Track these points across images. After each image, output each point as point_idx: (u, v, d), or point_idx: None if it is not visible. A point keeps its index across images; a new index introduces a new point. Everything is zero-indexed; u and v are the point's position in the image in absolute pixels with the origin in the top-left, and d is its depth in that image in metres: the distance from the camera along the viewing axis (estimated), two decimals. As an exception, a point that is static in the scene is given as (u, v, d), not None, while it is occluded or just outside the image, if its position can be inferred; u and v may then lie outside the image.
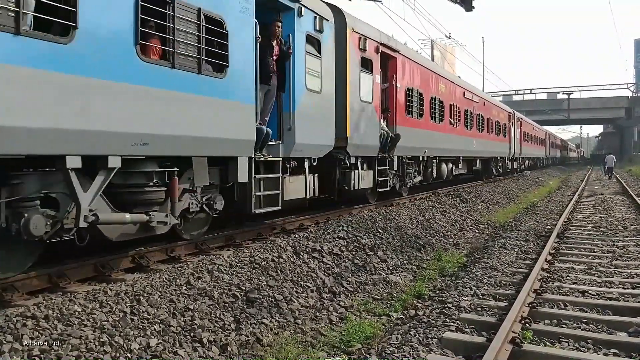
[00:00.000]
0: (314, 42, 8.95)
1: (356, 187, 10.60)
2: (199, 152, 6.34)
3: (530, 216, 13.46)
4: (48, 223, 4.83)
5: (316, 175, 9.26)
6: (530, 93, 68.38)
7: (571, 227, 11.12)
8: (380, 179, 11.71)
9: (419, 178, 14.58)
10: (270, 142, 7.80)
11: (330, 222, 8.98)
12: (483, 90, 38.59)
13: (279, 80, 8.12)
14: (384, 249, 8.01)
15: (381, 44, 11.63)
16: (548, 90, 71.52)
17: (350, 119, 10.13)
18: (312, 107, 8.71)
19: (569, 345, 4.42)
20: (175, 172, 6.14)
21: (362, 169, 10.91)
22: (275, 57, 7.97)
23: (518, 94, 68.34)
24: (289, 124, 8.17)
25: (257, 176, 7.38)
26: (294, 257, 6.60)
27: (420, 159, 14.54)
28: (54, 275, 5.18)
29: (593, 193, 20.90)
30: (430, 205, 12.75)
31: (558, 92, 66.73)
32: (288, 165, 8.36)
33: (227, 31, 6.51)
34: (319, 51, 9.02)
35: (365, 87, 10.83)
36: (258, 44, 7.26)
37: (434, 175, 16.03)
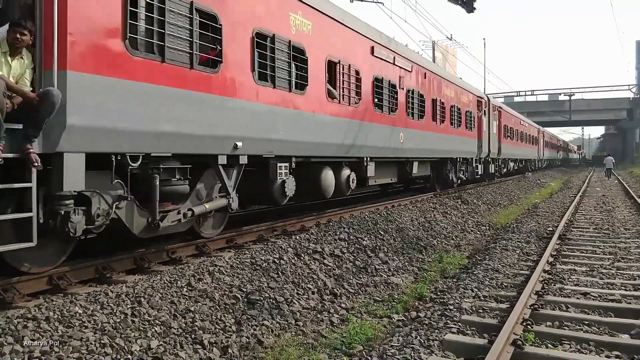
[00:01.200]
0: None
1: None
2: None
3: (531, 218, 13.43)
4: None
5: None
6: (531, 94, 68.39)
7: (573, 229, 11.09)
8: None
9: (219, 202, 7.10)
10: None
11: (331, 223, 8.97)
12: (484, 92, 36.31)
13: None
14: (385, 250, 8.00)
15: None
16: (549, 91, 71.62)
17: None
18: None
19: (570, 347, 4.40)
20: None
21: None
22: None
23: (519, 95, 68.32)
24: None
25: None
26: (295, 258, 6.59)
27: (239, 162, 7.21)
28: (54, 276, 5.18)
29: (595, 194, 20.87)
30: (431, 206, 12.74)
31: (559, 94, 66.75)
32: None
33: None
34: None
35: None
36: None
37: (289, 194, 8.48)
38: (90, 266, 5.62)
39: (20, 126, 4.47)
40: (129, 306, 4.47)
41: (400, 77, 12.62)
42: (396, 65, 12.37)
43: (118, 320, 4.20)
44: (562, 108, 64.31)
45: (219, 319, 4.67)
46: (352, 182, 10.54)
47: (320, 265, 6.64)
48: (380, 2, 17.29)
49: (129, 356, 3.81)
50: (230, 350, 4.24)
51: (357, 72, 10.30)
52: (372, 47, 11.14)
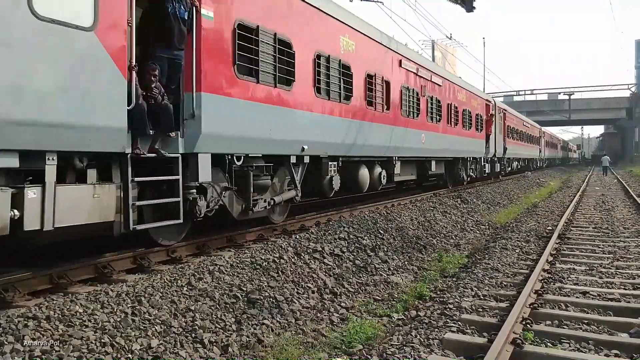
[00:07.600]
0: None
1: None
2: None
3: (531, 217, 13.44)
4: None
5: None
6: (531, 94, 68.30)
7: (572, 228, 11.10)
8: (143, 203, 5.69)
9: (290, 193, 8.75)
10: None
11: (331, 222, 8.98)
12: (484, 91, 37.23)
13: None
14: (385, 249, 8.01)
15: None
16: (549, 90, 71.57)
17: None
18: None
19: (570, 346, 4.42)
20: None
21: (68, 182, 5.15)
22: None
23: (519, 95, 68.29)
24: None
25: None
26: (295, 258, 6.60)
27: (295, 161, 8.59)
28: (55, 275, 5.19)
29: (594, 194, 20.88)
30: (431, 206, 12.74)
31: (559, 93, 66.71)
32: None
33: None
34: None
35: None
36: None
37: (336, 188, 9.82)
38: (90, 265, 5.64)
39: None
40: (129, 305, 4.47)
41: (422, 86, 14.60)
42: (419, 76, 14.36)
43: (118, 319, 4.20)
44: (561, 107, 64.30)
45: (219, 318, 4.67)
46: (384, 179, 12.36)
47: (320, 264, 6.64)
48: (380, 2, 17.28)
49: (130, 355, 3.82)
50: (230, 349, 4.24)
51: (389, 84, 12.19)
52: (400, 60, 12.97)
